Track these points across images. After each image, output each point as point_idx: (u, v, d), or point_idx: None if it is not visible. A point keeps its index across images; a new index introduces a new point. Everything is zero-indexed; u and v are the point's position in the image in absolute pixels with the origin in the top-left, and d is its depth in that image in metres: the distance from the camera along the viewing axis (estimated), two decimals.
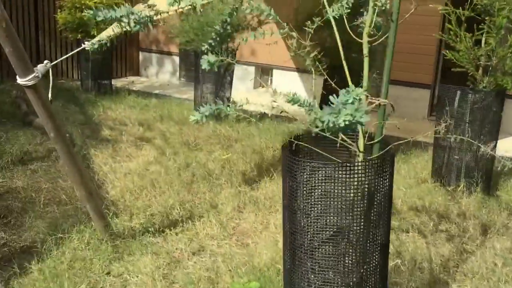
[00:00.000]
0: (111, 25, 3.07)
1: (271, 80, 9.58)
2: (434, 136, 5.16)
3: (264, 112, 8.04)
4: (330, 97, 1.72)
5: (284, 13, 6.53)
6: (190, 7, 2.37)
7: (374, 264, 2.25)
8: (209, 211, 4.20)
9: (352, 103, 1.67)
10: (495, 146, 4.79)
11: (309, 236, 2.19)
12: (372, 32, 2.35)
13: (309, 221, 2.18)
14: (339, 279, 2.19)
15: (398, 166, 5.50)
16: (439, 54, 8.03)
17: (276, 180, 4.87)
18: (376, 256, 2.25)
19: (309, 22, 6.20)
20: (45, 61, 2.93)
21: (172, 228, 3.88)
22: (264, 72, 9.40)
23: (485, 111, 4.66)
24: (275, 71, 9.37)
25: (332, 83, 2.56)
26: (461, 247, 3.75)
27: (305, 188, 2.13)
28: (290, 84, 9.14)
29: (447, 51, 4.71)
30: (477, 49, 4.52)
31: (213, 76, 7.03)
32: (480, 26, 4.41)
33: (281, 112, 2.28)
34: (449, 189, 4.77)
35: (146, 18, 2.35)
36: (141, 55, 10.50)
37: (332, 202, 2.12)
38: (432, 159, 5.25)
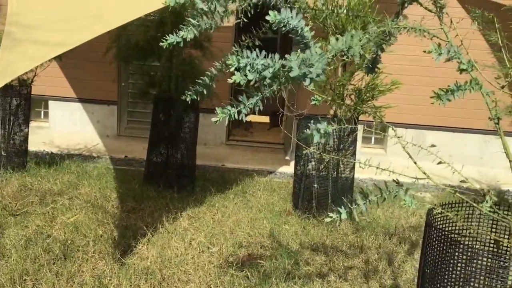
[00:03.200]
0: None
1: (45, 113, 8.19)
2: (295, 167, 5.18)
3: (51, 153, 6.83)
4: None
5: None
6: None
7: None
8: None
9: None
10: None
11: None
12: None
13: None
14: None
15: (257, 198, 5.32)
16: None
17: (154, 241, 4.10)
18: None
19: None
20: None
21: None
22: (36, 104, 7.94)
23: (343, 138, 4.88)
24: (51, 103, 8.04)
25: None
26: (379, 281, 3.79)
27: None
28: (72, 116, 8.01)
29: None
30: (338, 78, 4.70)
31: (1, 115, 5.58)
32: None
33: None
34: (320, 219, 4.81)
35: None
36: None
37: None
38: (292, 190, 5.24)
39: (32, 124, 8.11)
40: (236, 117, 1.55)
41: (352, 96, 4.82)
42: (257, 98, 1.52)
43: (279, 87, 1.50)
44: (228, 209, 4.99)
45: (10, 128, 5.63)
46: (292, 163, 6.24)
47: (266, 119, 9.39)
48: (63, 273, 3.49)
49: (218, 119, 1.58)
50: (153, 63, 5.50)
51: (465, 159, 7.41)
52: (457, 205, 1.92)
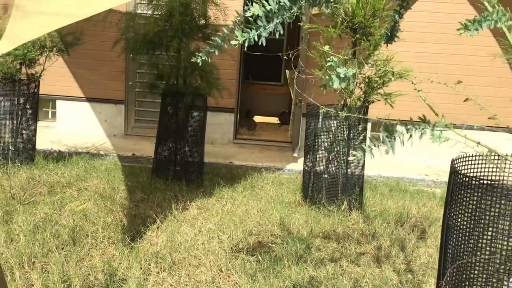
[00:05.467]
0: None
1: (53, 113, 8.19)
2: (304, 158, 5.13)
3: (59, 150, 6.81)
4: None
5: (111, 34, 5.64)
6: None
7: None
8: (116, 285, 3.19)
9: None
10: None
11: None
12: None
13: None
14: None
15: (266, 191, 5.26)
16: (239, 77, 8.15)
17: (163, 228, 4.06)
18: None
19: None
20: None
21: None
22: (43, 104, 7.95)
23: (353, 128, 4.83)
24: (59, 102, 8.04)
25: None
26: (393, 265, 3.72)
27: None
28: (79, 115, 8.00)
29: (317, 70, 4.70)
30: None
31: (9, 109, 5.57)
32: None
33: None
34: (330, 209, 4.75)
35: None
36: None
37: None
38: (302, 181, 5.19)
39: (40, 124, 8.10)
40: (256, 39, 1.50)
41: (362, 85, 4.79)
42: (277, 21, 1.47)
43: (299, 10, 1.46)
44: (237, 201, 4.94)
45: (18, 123, 5.62)
46: (300, 161, 6.19)
47: (272, 120, 9.40)
48: (72, 257, 3.44)
49: (237, 42, 1.51)
50: (161, 54, 5.48)
51: None
52: (477, 156, 1.88)
